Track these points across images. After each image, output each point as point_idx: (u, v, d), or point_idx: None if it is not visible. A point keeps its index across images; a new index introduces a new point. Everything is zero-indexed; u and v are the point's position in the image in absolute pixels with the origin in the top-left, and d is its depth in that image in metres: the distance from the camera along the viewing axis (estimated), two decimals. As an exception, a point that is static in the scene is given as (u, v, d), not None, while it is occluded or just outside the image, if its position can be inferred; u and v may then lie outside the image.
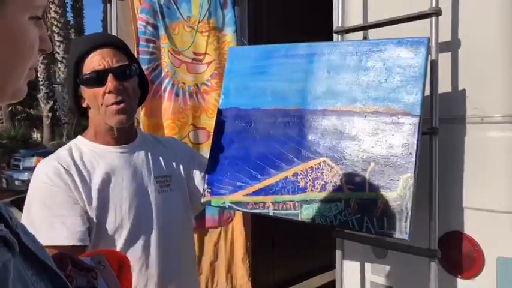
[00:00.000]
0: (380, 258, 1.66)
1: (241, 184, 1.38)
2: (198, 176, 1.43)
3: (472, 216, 1.46)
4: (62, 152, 1.24)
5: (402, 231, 1.15)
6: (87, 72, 1.19)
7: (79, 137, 1.29)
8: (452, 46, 1.49)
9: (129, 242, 1.19)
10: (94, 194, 1.17)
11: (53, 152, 1.25)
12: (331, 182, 1.26)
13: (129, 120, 1.24)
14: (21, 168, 10.22)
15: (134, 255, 1.17)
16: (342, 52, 1.34)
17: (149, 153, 1.31)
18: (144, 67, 2.18)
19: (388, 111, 1.23)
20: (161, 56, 2.35)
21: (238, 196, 1.38)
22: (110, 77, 1.18)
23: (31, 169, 9.74)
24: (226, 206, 1.41)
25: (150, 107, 2.27)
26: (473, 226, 1.46)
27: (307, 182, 1.30)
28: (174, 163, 1.37)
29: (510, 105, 1.39)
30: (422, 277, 1.39)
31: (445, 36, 1.48)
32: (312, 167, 1.30)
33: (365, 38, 1.67)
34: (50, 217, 1.13)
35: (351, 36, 1.71)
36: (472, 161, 1.45)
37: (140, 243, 1.20)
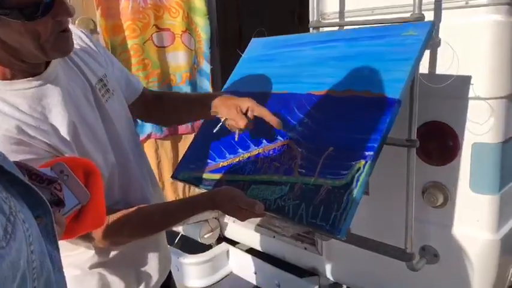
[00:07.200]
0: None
1: (209, 161, 1.37)
2: (118, 67, 1.21)
3: (450, 105, 1.43)
4: None
5: (335, 225, 0.98)
6: (26, 1, 0.78)
7: None
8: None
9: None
10: (63, 134, 0.91)
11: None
12: (285, 164, 1.19)
13: None
14: None
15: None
16: (340, 39, 1.37)
17: (74, 63, 1.03)
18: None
19: (365, 94, 1.16)
20: None
21: (201, 173, 1.36)
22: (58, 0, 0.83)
23: None
24: (188, 180, 1.41)
25: (107, 7, 1.99)
26: (451, 115, 1.45)
27: (264, 163, 1.23)
28: (101, 60, 1.11)
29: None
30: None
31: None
32: (275, 148, 1.24)
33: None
34: None
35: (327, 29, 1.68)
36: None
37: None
